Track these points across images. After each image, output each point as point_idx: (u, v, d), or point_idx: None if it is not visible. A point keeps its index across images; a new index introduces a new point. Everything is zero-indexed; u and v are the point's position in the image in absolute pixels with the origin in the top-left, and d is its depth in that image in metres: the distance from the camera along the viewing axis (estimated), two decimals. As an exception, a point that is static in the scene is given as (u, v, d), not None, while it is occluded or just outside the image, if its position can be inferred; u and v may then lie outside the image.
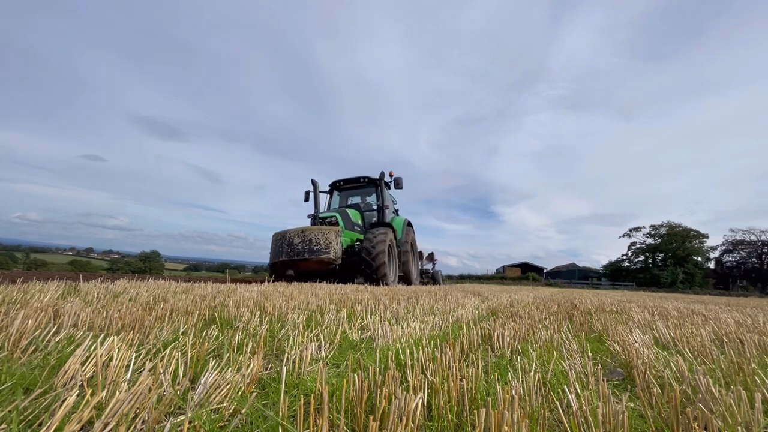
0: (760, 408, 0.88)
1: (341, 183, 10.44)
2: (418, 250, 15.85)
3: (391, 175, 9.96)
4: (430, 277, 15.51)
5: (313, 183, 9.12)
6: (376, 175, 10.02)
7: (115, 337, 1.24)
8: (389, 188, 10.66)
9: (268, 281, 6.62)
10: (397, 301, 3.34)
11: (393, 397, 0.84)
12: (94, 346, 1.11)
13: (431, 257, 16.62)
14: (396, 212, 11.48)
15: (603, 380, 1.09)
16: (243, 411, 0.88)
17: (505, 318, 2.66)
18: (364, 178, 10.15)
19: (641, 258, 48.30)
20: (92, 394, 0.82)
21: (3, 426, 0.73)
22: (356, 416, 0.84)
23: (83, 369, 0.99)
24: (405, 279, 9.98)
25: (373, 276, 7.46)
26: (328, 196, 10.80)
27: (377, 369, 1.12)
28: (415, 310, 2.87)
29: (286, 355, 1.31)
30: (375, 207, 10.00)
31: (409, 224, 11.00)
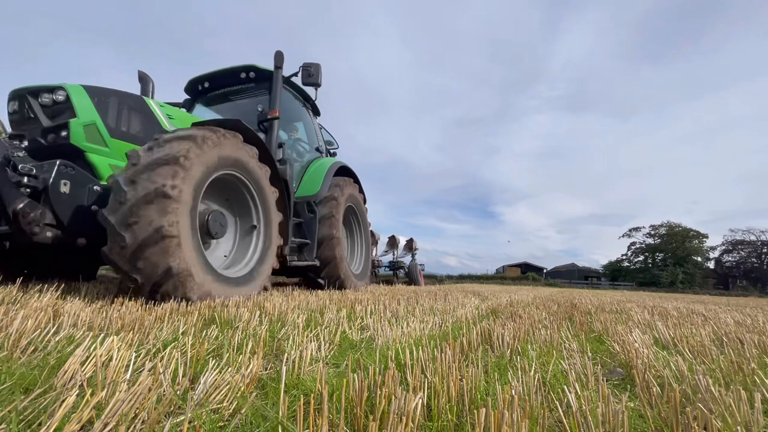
0: (759, 408, 0.88)
1: (206, 85, 4.95)
2: (390, 236, 11.30)
3: (307, 69, 4.64)
4: (405, 274, 11.18)
5: (142, 79, 4.01)
6: (269, 65, 4.66)
7: (115, 337, 1.24)
8: (312, 113, 5.85)
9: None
10: (397, 301, 3.34)
11: (393, 397, 0.84)
12: (94, 346, 1.11)
13: (410, 245, 11.99)
14: (329, 154, 6.38)
15: (603, 380, 1.09)
16: (243, 411, 0.88)
17: (504, 318, 2.66)
18: (247, 69, 4.78)
19: (641, 258, 48.31)
20: (92, 394, 0.82)
21: (2, 426, 0.73)
22: (356, 416, 0.84)
23: (83, 369, 0.99)
24: (329, 275, 4.95)
25: (130, 267, 2.36)
26: (183, 110, 4.88)
27: (377, 369, 1.12)
28: (415, 310, 2.87)
29: (286, 355, 1.31)
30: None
31: (346, 172, 5.83)
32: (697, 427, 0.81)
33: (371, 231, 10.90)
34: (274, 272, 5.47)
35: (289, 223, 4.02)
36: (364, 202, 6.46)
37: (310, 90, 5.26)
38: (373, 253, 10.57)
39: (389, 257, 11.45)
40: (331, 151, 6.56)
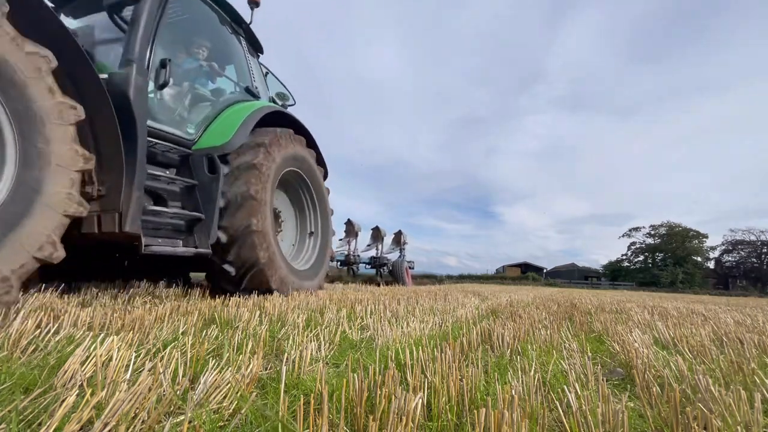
0: (759, 408, 0.88)
1: None
2: (374, 227, 9.80)
3: None
4: (389, 272, 9.80)
5: None
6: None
7: (115, 336, 1.24)
8: (248, 47, 4.29)
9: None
10: (397, 301, 3.34)
11: (393, 397, 0.84)
12: (94, 345, 1.11)
13: (399, 239, 10.36)
14: (278, 104, 4.54)
15: (603, 380, 1.09)
16: (243, 411, 0.88)
17: (504, 318, 2.66)
18: None
19: (641, 258, 48.33)
20: (92, 394, 0.82)
21: (3, 426, 0.73)
22: (356, 416, 0.84)
23: (83, 369, 0.99)
24: (242, 259, 3.11)
25: None
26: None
27: (377, 369, 1.12)
28: (415, 310, 2.87)
29: (286, 354, 1.31)
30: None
31: (285, 120, 4.14)
32: (697, 427, 0.81)
33: (350, 221, 9.17)
34: (119, 266, 3.70)
35: (136, 153, 2.31)
36: (325, 177, 4.78)
37: (247, 16, 4.16)
38: (352, 247, 9.16)
39: (372, 252, 9.91)
40: (281, 103, 4.77)
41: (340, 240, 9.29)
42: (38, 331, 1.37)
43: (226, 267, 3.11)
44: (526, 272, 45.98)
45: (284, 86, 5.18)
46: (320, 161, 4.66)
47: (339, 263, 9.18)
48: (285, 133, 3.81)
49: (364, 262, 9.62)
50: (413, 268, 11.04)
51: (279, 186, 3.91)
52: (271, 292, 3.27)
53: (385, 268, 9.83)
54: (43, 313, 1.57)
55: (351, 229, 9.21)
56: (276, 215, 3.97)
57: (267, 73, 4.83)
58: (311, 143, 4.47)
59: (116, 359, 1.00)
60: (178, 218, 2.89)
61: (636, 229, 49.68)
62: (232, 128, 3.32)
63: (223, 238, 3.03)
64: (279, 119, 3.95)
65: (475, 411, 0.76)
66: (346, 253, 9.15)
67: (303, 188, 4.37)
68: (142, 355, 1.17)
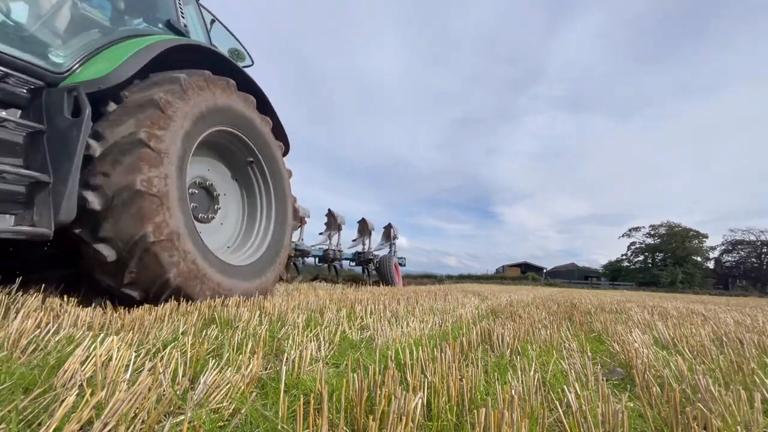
0: (759, 408, 0.88)
1: None
2: (360, 219, 8.83)
3: None
4: (375, 269, 8.72)
5: None
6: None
7: (115, 336, 1.24)
8: None
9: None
10: (397, 301, 3.34)
11: (393, 397, 0.84)
12: (94, 345, 1.11)
13: (389, 233, 9.40)
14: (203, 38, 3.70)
15: (603, 380, 1.09)
16: (243, 411, 0.88)
17: (504, 318, 2.66)
18: None
19: (641, 258, 48.38)
20: (92, 394, 0.82)
21: (2, 426, 0.73)
22: (356, 416, 0.84)
23: (83, 369, 0.99)
24: (123, 234, 2.09)
25: None
26: None
27: (377, 369, 1.12)
28: (415, 310, 2.87)
29: (286, 354, 1.31)
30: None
31: (227, 71, 3.11)
32: (697, 427, 0.81)
33: (331, 212, 7.83)
34: None
35: None
36: (285, 152, 3.88)
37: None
38: (334, 242, 8.09)
39: (358, 248, 8.92)
40: (239, 64, 3.57)
41: (321, 234, 8.39)
42: (38, 330, 1.37)
43: (100, 248, 2.13)
44: (526, 272, 45.98)
45: (240, 42, 4.34)
46: (279, 134, 3.74)
47: (317, 259, 8.18)
48: (219, 80, 2.91)
49: (346, 259, 8.60)
50: (404, 265, 9.83)
51: (215, 154, 3.19)
52: (171, 292, 2.30)
53: (371, 265, 8.81)
54: (43, 312, 1.57)
55: (332, 222, 8.16)
56: (207, 190, 3.08)
57: (213, 20, 3.99)
58: (266, 109, 3.56)
59: (116, 359, 1.00)
60: (3, 180, 1.88)
61: (636, 229, 49.73)
62: (119, 58, 2.36)
63: (96, 203, 2.09)
64: (217, 69, 3.02)
65: (475, 411, 0.76)
66: (325, 248, 8.02)
67: (252, 163, 3.45)
68: (142, 355, 1.17)
